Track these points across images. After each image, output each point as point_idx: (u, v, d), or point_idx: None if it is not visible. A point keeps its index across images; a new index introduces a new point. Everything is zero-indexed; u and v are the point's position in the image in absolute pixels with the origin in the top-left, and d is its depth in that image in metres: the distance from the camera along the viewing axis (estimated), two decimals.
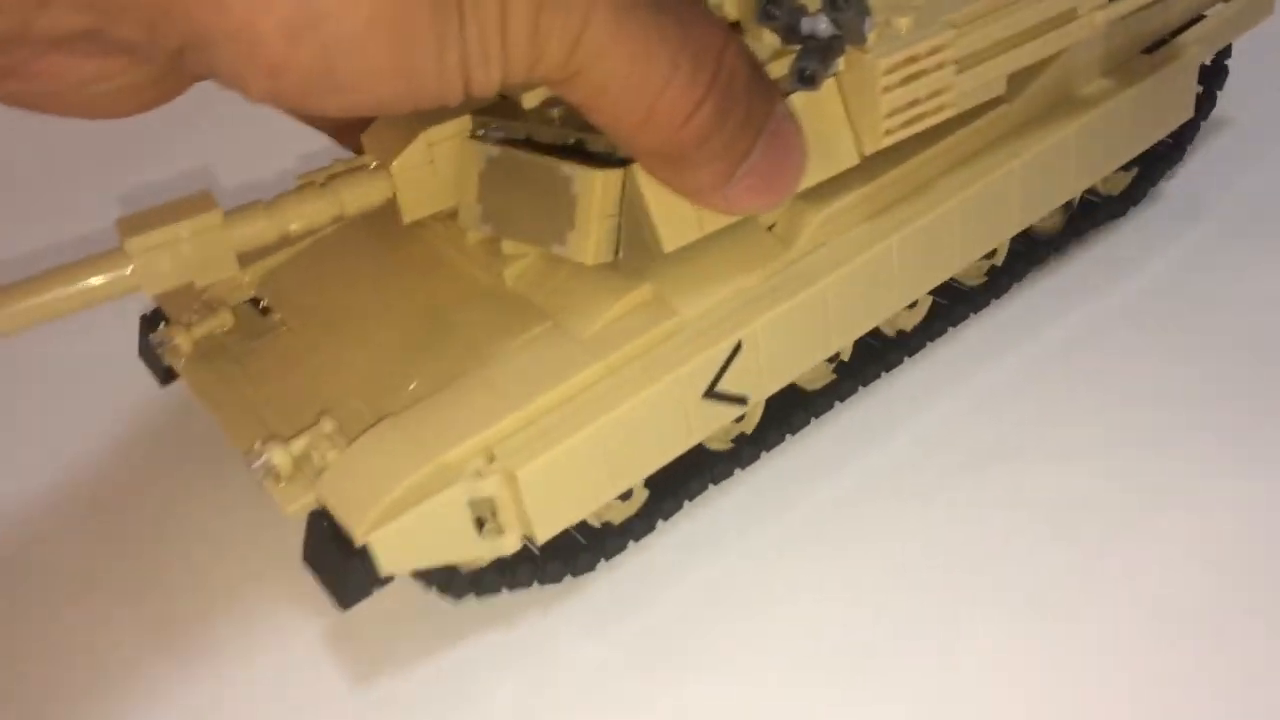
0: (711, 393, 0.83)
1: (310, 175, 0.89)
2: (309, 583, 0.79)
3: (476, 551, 0.79)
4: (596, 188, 0.80)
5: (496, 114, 0.87)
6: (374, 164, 0.89)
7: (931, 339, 1.02)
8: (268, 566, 0.95)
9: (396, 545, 0.74)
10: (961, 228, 0.93)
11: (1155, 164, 1.12)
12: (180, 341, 0.94)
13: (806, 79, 0.79)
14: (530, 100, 0.84)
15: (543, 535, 0.80)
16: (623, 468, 0.82)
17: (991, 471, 0.92)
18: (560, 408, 0.80)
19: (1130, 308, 1.04)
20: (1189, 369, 0.98)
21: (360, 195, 0.87)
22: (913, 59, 0.82)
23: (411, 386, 0.83)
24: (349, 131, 0.96)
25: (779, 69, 0.82)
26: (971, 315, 1.04)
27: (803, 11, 0.80)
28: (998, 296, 1.05)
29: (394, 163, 0.87)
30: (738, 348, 0.83)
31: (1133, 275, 1.07)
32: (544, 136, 0.86)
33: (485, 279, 0.90)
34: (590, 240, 0.82)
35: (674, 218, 0.81)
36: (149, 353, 0.99)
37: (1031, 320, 1.05)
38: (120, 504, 1.04)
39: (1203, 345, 1.00)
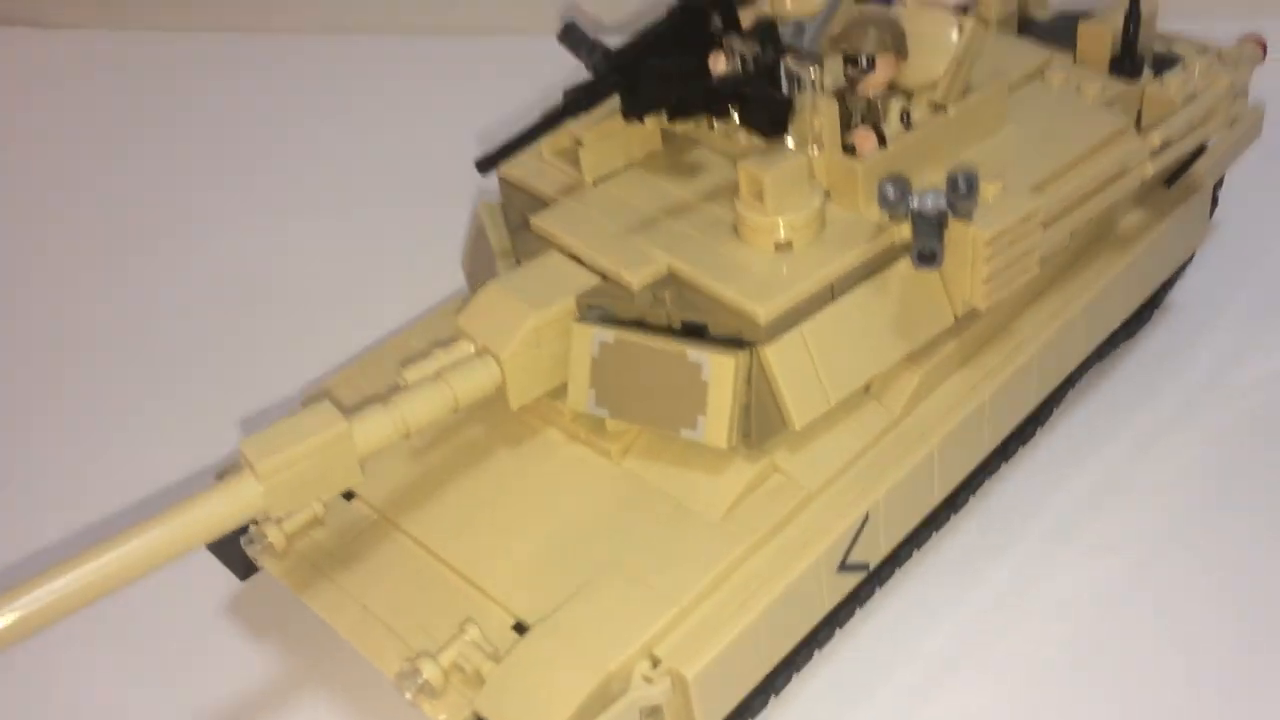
0: (844, 565, 0.86)
1: (414, 367, 0.87)
2: None
3: None
4: (730, 372, 0.82)
5: (602, 297, 0.87)
6: (472, 349, 0.88)
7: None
8: None
9: None
10: (1040, 366, 0.98)
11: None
12: (273, 539, 0.90)
13: (928, 258, 0.82)
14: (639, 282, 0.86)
15: None
16: (771, 650, 0.83)
17: None
18: (710, 596, 0.80)
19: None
20: None
21: (472, 386, 0.85)
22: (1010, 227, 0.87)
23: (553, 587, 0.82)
24: None
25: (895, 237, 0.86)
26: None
27: (908, 189, 0.83)
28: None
29: (504, 353, 0.86)
30: (865, 518, 0.86)
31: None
32: (656, 319, 0.86)
33: (592, 458, 0.90)
34: (724, 425, 0.83)
35: (803, 394, 0.84)
36: (229, 549, 0.94)
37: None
38: None
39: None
